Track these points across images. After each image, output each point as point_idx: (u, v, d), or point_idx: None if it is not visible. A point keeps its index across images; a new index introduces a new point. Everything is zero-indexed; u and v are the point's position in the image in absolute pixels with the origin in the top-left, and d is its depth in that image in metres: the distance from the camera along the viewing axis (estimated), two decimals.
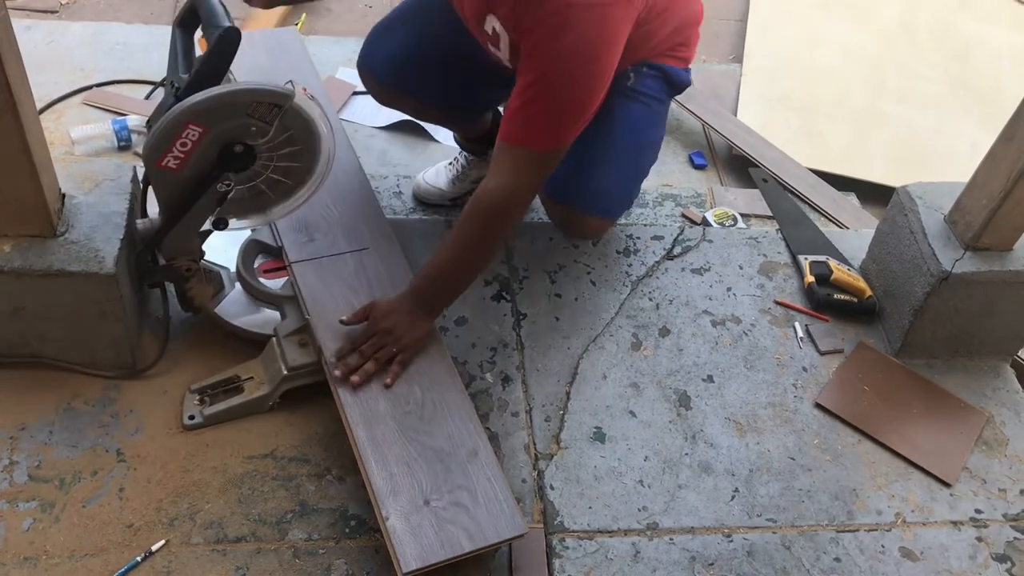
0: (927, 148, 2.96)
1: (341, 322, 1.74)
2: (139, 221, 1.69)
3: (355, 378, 1.68)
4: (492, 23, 1.75)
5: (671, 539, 1.70)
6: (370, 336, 1.71)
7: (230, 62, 1.58)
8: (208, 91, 1.50)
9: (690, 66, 2.02)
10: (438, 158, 2.47)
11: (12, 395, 1.72)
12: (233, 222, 1.69)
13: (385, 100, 2.18)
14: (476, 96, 2.14)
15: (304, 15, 3.10)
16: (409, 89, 2.10)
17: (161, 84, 2.66)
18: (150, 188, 1.63)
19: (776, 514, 1.76)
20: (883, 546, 1.73)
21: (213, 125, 1.52)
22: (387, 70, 2.07)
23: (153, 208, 1.68)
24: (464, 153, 2.32)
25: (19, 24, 1.42)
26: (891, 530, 1.76)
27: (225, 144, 1.55)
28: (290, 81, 1.56)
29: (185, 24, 1.66)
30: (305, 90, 1.56)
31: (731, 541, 1.71)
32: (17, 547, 1.54)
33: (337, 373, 1.68)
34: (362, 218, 1.96)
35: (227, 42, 1.55)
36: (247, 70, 2.02)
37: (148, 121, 1.61)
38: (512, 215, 1.75)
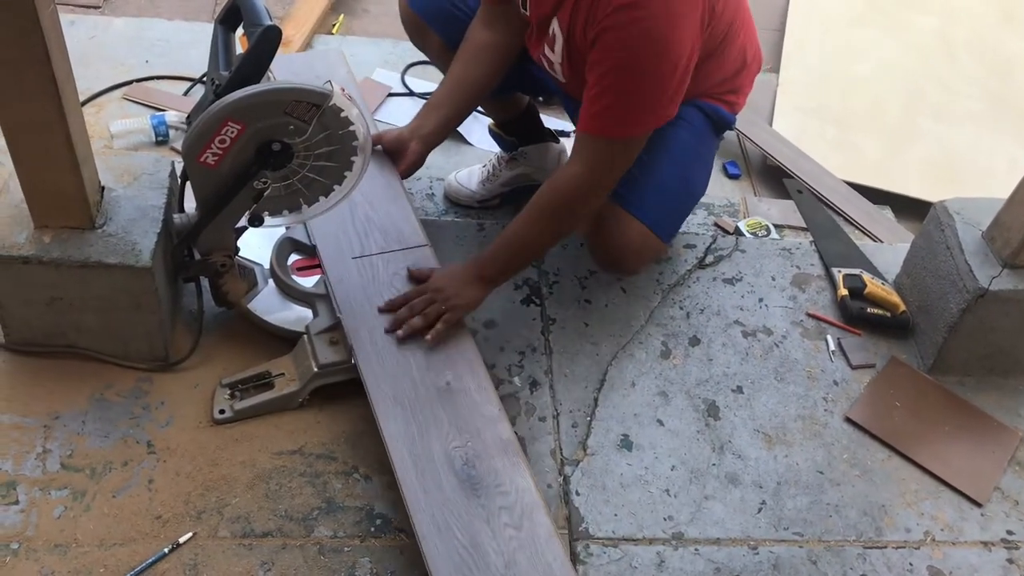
0: (964, 164, 2.92)
1: (410, 273, 1.82)
2: (176, 216, 1.71)
3: (400, 332, 1.72)
4: (554, 26, 1.78)
5: (696, 549, 1.69)
6: (421, 293, 1.77)
7: (270, 60, 1.59)
8: (248, 89, 1.51)
9: (736, 111, 2.03)
10: (471, 161, 2.48)
11: (47, 384, 1.74)
12: (268, 219, 1.70)
13: (410, 29, 2.17)
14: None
15: (341, 16, 3.12)
16: (437, 24, 2.08)
17: (200, 81, 2.69)
18: (188, 183, 1.65)
19: (803, 528, 1.74)
20: (911, 564, 1.71)
21: (252, 123, 1.53)
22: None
23: (190, 203, 1.70)
24: (496, 154, 2.33)
25: (64, 18, 1.45)
26: (920, 548, 1.74)
27: (263, 142, 1.56)
28: (328, 81, 1.57)
29: (226, 22, 1.68)
30: (343, 90, 1.57)
31: (757, 554, 1.70)
32: (48, 534, 1.56)
33: (386, 326, 1.74)
34: (396, 219, 1.96)
35: (268, 40, 1.56)
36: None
37: (188, 117, 1.63)
38: (587, 203, 1.78)
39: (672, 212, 2.01)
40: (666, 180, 1.83)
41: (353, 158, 1.65)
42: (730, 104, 2.01)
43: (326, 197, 1.70)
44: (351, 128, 1.60)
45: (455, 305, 1.76)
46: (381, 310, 1.77)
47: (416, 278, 1.82)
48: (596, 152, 1.72)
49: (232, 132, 1.53)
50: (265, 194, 1.63)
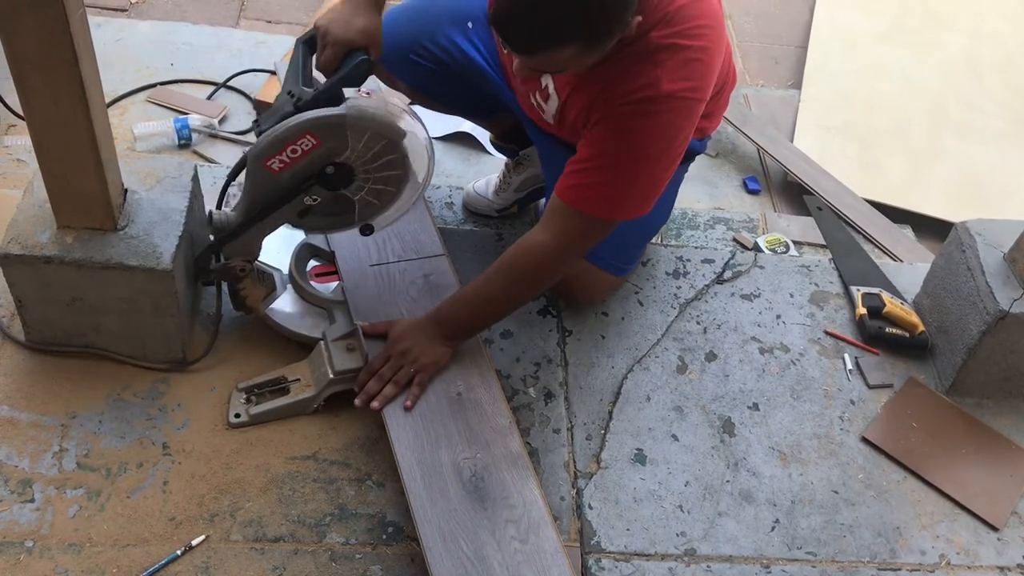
0: (987, 184, 2.91)
1: (361, 328, 1.76)
2: (216, 212, 1.70)
3: (375, 403, 1.69)
4: (548, 82, 1.75)
5: (708, 567, 1.68)
6: (387, 358, 1.72)
7: (359, 87, 1.64)
8: (335, 109, 1.56)
9: (708, 135, 1.99)
10: (490, 170, 2.49)
11: (65, 383, 1.76)
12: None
13: (380, 78, 2.13)
14: (477, 103, 2.10)
15: None
16: (401, 74, 2.05)
17: (223, 85, 2.72)
18: (230, 187, 1.68)
19: (817, 547, 1.73)
20: None
21: (327, 141, 1.58)
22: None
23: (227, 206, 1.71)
24: (505, 162, 2.33)
25: (90, 21, 1.46)
26: (935, 572, 1.73)
27: (329, 162, 1.61)
28: (403, 108, 1.62)
29: (309, 44, 1.72)
30: (421, 124, 1.64)
31: (769, 572, 1.69)
32: (63, 533, 1.57)
33: (357, 402, 1.70)
34: (414, 228, 1.97)
35: (360, 70, 1.62)
36: None
37: (257, 120, 1.66)
38: (553, 274, 1.76)
39: (622, 249, 1.99)
40: (620, 228, 1.75)
41: (409, 190, 1.70)
42: (701, 131, 1.93)
43: (384, 213, 1.75)
44: (415, 169, 1.67)
45: (424, 365, 1.71)
46: (357, 395, 1.71)
47: (370, 334, 1.76)
48: (572, 223, 1.67)
49: (307, 145, 1.58)
50: (311, 211, 1.67)
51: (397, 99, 1.67)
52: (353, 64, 1.60)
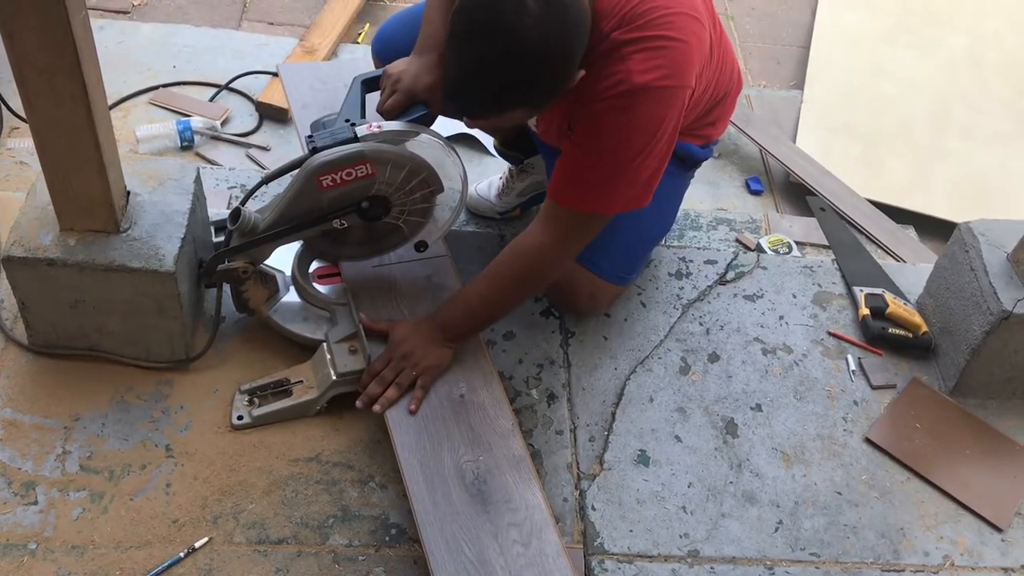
0: (990, 185, 2.91)
1: (362, 323, 1.77)
2: (249, 211, 1.69)
3: (376, 407, 1.69)
4: None
5: (712, 568, 1.68)
6: (388, 361, 1.72)
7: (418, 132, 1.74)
8: (398, 148, 1.67)
9: (713, 142, 1.98)
10: (492, 172, 2.48)
11: (69, 386, 1.76)
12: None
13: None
14: None
15: (367, 25, 3.14)
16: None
17: (225, 87, 2.73)
18: (259, 189, 1.72)
19: (820, 548, 1.73)
20: None
21: (380, 174, 1.66)
22: (380, 44, 2.06)
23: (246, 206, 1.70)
24: (508, 167, 2.33)
25: (93, 23, 1.47)
26: (938, 573, 1.72)
27: (371, 195, 1.69)
28: (459, 160, 1.74)
29: (367, 83, 1.81)
30: (463, 173, 1.75)
31: (773, 574, 1.69)
32: (66, 535, 1.57)
33: (359, 404, 1.70)
34: None
35: (423, 121, 1.73)
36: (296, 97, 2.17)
37: (311, 136, 1.69)
38: (550, 272, 1.77)
39: (624, 259, 1.98)
40: (618, 230, 1.77)
41: (440, 221, 1.83)
42: (705, 138, 1.94)
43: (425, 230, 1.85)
44: (449, 216, 1.82)
45: (426, 367, 1.71)
46: (360, 397, 1.71)
47: (371, 330, 1.77)
48: (565, 223, 1.69)
49: (362, 172, 1.65)
50: (347, 241, 1.77)
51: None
52: (417, 115, 1.73)
